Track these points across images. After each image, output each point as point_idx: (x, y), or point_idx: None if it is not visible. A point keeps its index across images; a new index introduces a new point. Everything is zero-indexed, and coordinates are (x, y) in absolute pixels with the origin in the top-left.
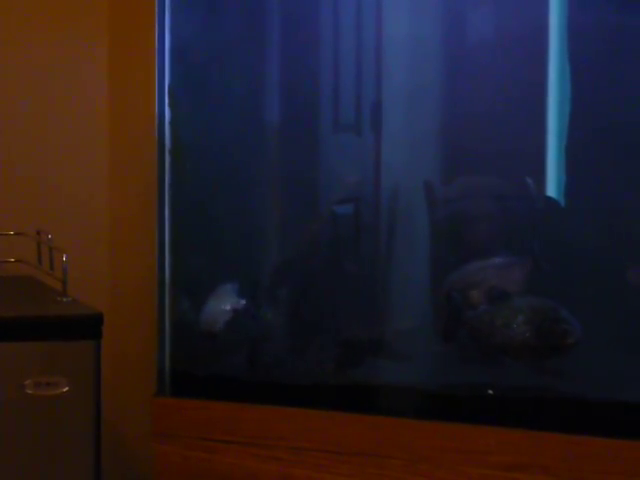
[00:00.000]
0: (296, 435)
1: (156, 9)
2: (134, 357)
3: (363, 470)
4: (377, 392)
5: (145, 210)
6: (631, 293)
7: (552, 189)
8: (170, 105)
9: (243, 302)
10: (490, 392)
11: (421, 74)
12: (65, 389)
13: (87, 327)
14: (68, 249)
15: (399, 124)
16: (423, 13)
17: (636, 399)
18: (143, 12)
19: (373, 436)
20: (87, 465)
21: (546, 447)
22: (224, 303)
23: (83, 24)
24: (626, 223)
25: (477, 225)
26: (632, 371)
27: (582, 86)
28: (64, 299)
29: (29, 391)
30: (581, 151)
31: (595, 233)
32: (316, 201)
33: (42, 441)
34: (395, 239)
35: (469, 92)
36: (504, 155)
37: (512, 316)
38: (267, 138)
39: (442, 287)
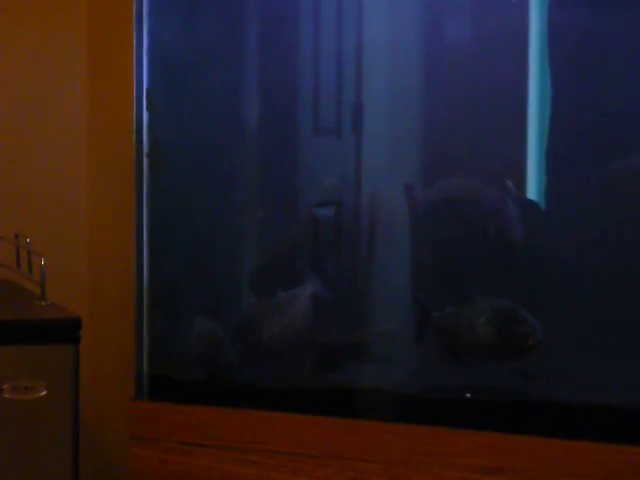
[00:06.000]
0: (274, 439)
1: (134, 12)
2: (112, 361)
3: (341, 474)
4: (355, 395)
5: (123, 213)
6: (608, 296)
7: (533, 192)
8: (148, 108)
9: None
10: (468, 395)
11: (402, 77)
12: (43, 393)
13: (65, 331)
14: (47, 253)
15: (380, 127)
16: (403, 16)
17: (612, 402)
18: (121, 15)
19: (351, 440)
20: (65, 468)
21: (523, 450)
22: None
23: (61, 27)
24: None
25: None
26: (608, 374)
27: (563, 88)
28: (42, 303)
29: (7, 395)
30: (561, 153)
31: (573, 236)
32: (296, 204)
33: (20, 445)
34: (375, 242)
35: (450, 95)
36: (485, 158)
37: (474, 318)
38: (247, 141)
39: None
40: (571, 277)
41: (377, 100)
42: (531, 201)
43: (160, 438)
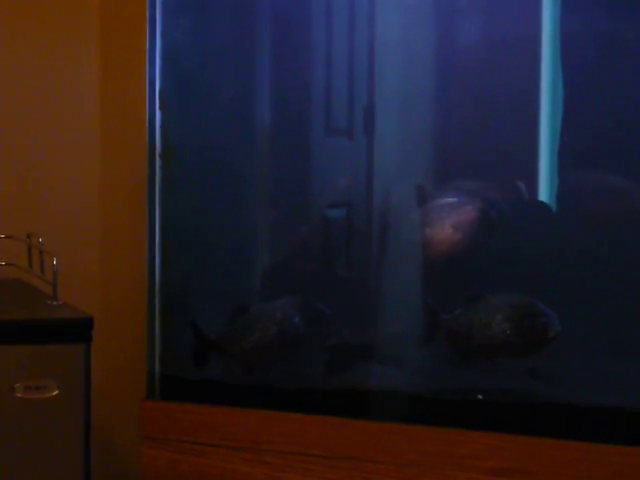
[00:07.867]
0: (285, 439)
1: (147, 12)
2: (124, 361)
3: (352, 475)
4: (366, 396)
5: (136, 213)
6: (621, 299)
7: (544, 193)
8: (161, 108)
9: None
10: (479, 397)
11: (414, 78)
12: (55, 392)
13: (77, 330)
14: (59, 252)
15: (392, 128)
16: (416, 17)
17: (623, 404)
18: (134, 15)
19: (362, 441)
20: (76, 468)
21: (534, 452)
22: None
23: (74, 27)
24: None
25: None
26: (619, 376)
27: (574, 90)
28: (54, 302)
29: (19, 394)
30: (573, 155)
31: (584, 236)
32: (308, 205)
33: (32, 444)
34: (387, 243)
35: (461, 96)
36: (496, 159)
37: (490, 315)
38: (259, 142)
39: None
40: (583, 278)
41: (389, 101)
42: (542, 202)
43: (171, 438)
